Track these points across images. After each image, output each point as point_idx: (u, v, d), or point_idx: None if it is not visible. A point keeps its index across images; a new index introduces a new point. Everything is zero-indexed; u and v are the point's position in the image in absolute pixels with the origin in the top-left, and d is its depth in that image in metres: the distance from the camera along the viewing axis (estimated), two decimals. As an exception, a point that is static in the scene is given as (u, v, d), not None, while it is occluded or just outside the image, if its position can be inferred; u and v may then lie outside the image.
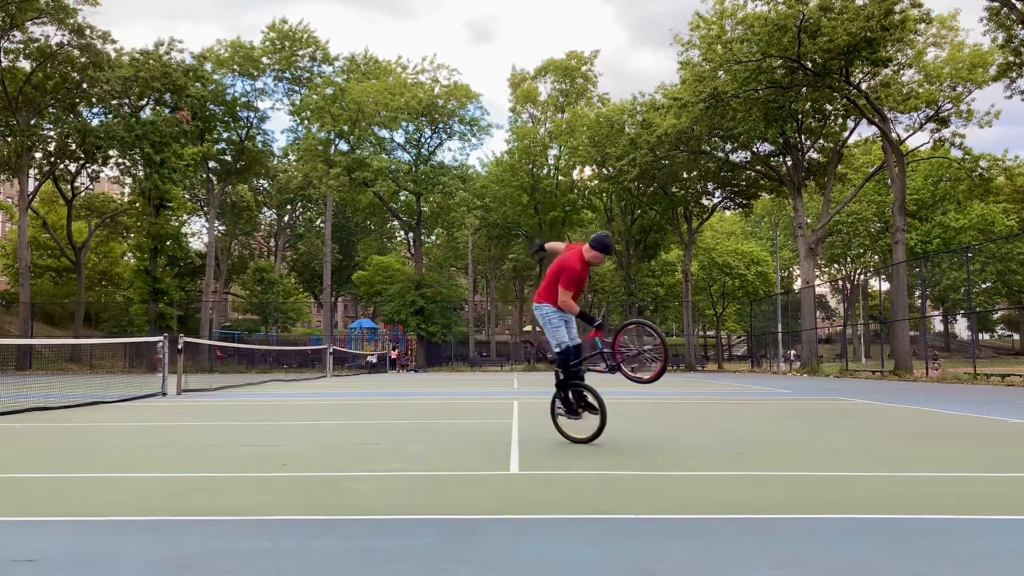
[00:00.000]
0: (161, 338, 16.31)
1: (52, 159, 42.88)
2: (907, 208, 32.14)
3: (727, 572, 2.74)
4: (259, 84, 47.75)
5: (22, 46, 38.14)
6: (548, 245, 6.94)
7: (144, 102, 42.48)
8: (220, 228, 52.80)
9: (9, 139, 39.32)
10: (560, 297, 6.20)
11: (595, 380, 7.12)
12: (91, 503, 4.17)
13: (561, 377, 6.34)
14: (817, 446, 6.60)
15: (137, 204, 44.31)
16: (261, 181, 56.12)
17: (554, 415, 6.59)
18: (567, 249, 6.49)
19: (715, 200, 44.90)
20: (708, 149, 37.57)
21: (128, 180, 48.13)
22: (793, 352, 38.75)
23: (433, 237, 59.11)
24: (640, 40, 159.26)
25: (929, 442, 6.96)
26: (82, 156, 42.89)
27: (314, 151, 44.59)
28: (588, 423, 6.37)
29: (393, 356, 42.98)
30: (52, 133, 42.28)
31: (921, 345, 31.26)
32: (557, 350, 6.31)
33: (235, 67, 45.89)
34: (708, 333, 70.01)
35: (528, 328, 60.42)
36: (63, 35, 37.86)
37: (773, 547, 3.09)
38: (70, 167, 45.33)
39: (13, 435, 7.85)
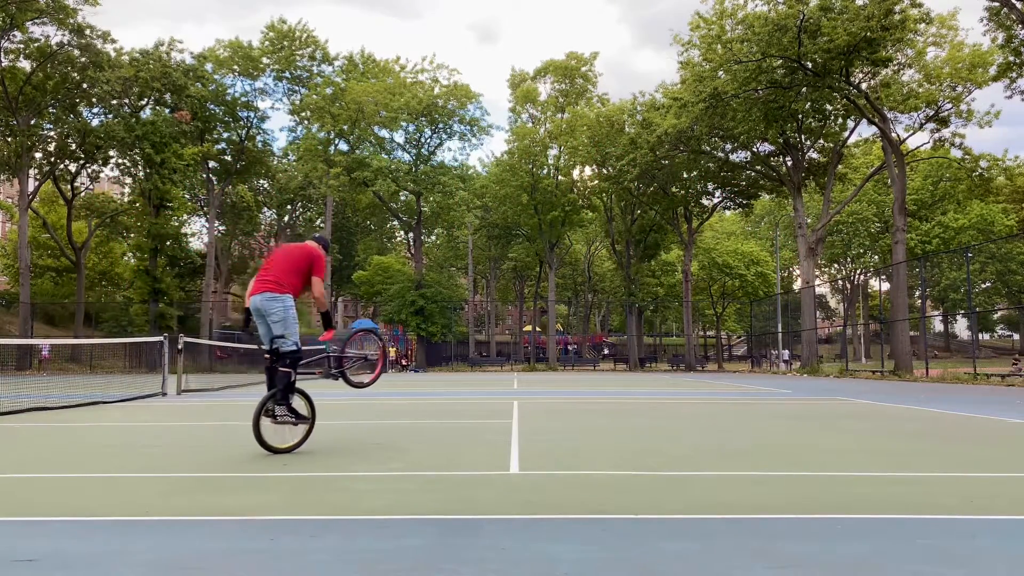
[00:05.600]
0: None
1: (52, 159, 42.80)
2: (907, 208, 32.12)
3: (727, 572, 2.74)
4: (259, 84, 47.74)
5: (22, 46, 38.05)
6: None
7: (144, 102, 42.41)
8: (220, 228, 52.72)
9: (9, 139, 39.26)
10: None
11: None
12: (91, 503, 4.16)
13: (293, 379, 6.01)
14: (817, 446, 6.59)
15: (137, 204, 44.25)
16: (261, 181, 56.07)
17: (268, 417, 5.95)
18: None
19: (715, 200, 44.88)
20: (708, 149, 37.54)
21: (128, 180, 48.06)
22: (787, 352, 38.67)
23: (433, 237, 59.05)
24: (645, 40, 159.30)
25: (929, 442, 6.96)
26: (82, 156, 42.83)
27: (314, 151, 44.55)
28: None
29: (402, 362, 42.95)
30: (52, 133, 42.19)
31: (921, 345, 31.24)
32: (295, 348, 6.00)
33: (235, 67, 45.88)
34: (708, 333, 70.05)
35: (528, 328, 60.19)
36: (63, 35, 37.77)
37: (773, 547, 3.09)
38: (70, 167, 45.22)
39: (13, 435, 7.85)
